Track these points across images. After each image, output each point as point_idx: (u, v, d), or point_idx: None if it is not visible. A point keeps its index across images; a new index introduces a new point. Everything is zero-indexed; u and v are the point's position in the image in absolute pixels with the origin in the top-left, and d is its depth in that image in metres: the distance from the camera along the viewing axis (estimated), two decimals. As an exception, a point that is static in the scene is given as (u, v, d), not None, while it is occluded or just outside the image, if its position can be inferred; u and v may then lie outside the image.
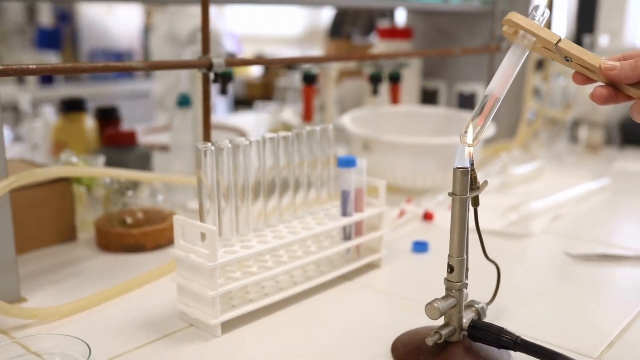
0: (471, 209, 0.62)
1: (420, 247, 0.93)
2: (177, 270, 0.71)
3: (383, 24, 1.91)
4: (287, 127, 1.74)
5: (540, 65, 1.58)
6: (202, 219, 0.70)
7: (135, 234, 0.91)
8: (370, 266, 0.87)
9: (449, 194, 0.61)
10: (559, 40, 0.59)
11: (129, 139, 1.21)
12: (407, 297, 0.79)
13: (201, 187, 0.69)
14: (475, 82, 1.63)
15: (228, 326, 0.69)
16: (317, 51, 3.92)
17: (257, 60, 1.02)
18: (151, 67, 0.74)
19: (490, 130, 1.23)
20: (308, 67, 1.24)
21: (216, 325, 0.68)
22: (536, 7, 0.63)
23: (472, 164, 0.61)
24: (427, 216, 1.07)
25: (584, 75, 0.60)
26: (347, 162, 0.81)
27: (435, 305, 0.61)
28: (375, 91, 1.31)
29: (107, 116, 1.34)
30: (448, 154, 1.17)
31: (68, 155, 0.91)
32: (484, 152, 1.43)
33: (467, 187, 0.60)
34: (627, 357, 0.65)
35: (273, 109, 1.83)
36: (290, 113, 1.78)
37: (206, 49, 0.80)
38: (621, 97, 0.59)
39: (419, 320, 0.68)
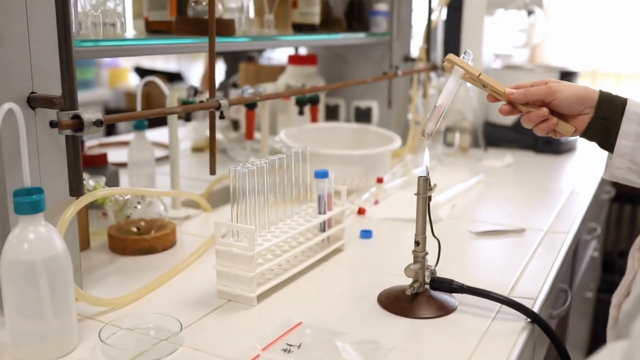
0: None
1: (366, 234, 1.24)
2: (217, 261, 0.96)
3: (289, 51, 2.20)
4: (211, 141, 1.97)
5: (419, 83, 1.96)
6: (235, 221, 0.96)
7: (149, 239, 1.13)
8: (337, 250, 1.16)
9: (415, 194, 0.93)
10: (480, 74, 0.93)
11: (102, 160, 1.40)
12: (370, 269, 1.10)
13: (235, 197, 0.95)
14: (370, 99, 1.97)
15: (258, 298, 0.96)
16: (198, 65, 4.10)
17: (252, 98, 1.25)
18: (184, 110, 0.98)
19: (398, 143, 1.57)
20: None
21: (254, 297, 0.94)
22: (465, 51, 0.96)
23: (428, 174, 0.93)
24: (361, 211, 1.39)
25: (494, 97, 0.95)
26: (322, 174, 1.10)
27: (412, 267, 0.92)
28: (301, 112, 1.60)
29: (74, 141, 1.50)
30: (368, 161, 1.49)
31: (86, 178, 1.11)
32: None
33: (426, 189, 0.92)
34: (521, 293, 1.00)
35: (194, 127, 2.06)
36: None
37: (212, 93, 1.05)
38: (516, 111, 0.95)
39: (385, 284, 1.00)
